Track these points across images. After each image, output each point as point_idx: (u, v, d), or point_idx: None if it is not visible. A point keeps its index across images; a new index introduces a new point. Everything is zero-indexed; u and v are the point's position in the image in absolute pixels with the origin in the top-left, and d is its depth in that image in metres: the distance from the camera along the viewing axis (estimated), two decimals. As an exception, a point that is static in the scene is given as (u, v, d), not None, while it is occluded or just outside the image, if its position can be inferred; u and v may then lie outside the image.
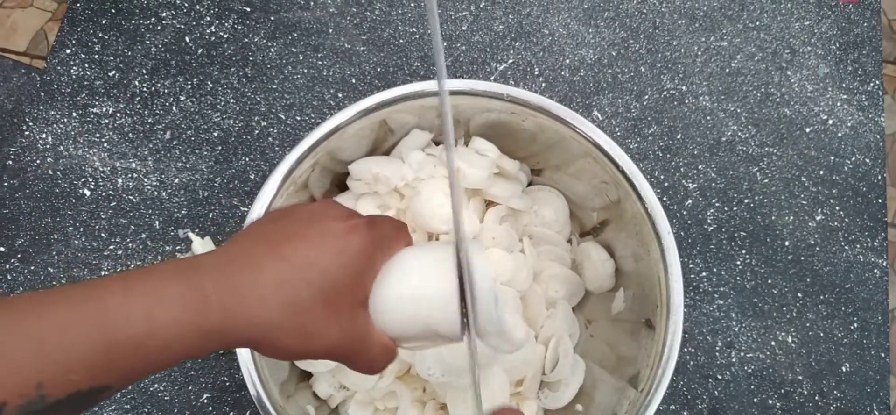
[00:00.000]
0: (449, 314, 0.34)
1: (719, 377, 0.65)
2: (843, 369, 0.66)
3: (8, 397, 0.24)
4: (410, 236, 0.38)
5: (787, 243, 0.69)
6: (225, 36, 0.72)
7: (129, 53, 0.71)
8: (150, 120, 0.69)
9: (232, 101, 0.70)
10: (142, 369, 0.27)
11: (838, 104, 0.73)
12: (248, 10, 0.73)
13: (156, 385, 0.62)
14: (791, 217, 0.70)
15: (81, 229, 0.66)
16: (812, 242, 0.69)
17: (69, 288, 0.27)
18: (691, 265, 0.68)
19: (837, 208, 0.70)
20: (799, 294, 0.68)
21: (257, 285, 0.30)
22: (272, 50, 0.72)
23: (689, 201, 0.70)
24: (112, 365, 0.26)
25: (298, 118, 0.70)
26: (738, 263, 0.68)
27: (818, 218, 0.70)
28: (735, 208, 0.70)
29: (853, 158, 0.71)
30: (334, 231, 0.32)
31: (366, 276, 0.33)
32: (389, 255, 0.35)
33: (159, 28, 0.72)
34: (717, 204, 0.70)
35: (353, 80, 0.71)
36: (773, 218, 0.69)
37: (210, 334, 0.28)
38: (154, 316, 0.27)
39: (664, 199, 0.69)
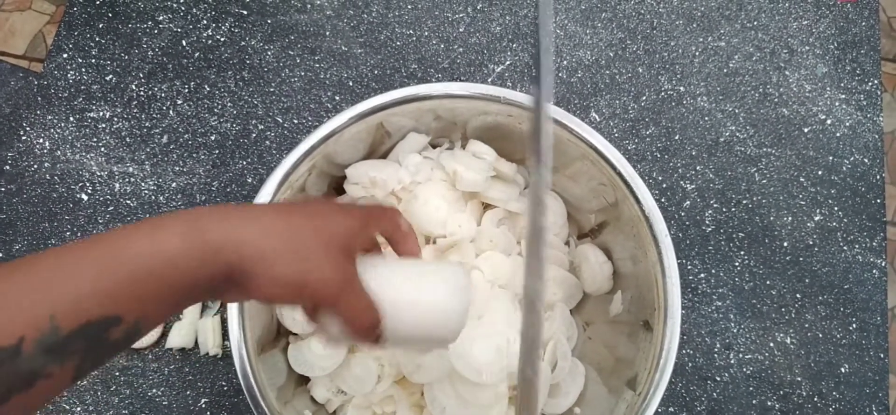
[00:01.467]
0: (454, 326, 0.37)
1: (718, 379, 0.65)
2: (842, 369, 0.66)
3: (25, 331, 0.25)
4: (402, 219, 0.41)
5: (785, 244, 0.69)
6: (222, 39, 0.72)
7: (126, 57, 0.71)
8: (147, 124, 0.69)
9: (229, 104, 0.70)
10: (149, 294, 0.28)
11: (837, 104, 0.73)
12: (245, 13, 0.73)
13: (154, 390, 0.62)
14: (789, 218, 0.69)
15: (79, 234, 0.66)
16: (810, 243, 0.69)
17: (79, 240, 0.29)
18: (689, 266, 0.68)
19: (836, 208, 0.70)
20: (798, 295, 0.68)
21: (257, 219, 0.32)
22: (269, 53, 0.72)
23: (688, 202, 0.69)
24: (120, 289, 0.28)
25: (296, 121, 0.70)
26: (737, 264, 0.68)
27: (817, 218, 0.70)
28: (733, 209, 0.69)
29: (852, 158, 0.71)
30: (329, 203, 0.37)
31: (358, 236, 0.36)
32: (380, 225, 0.38)
33: (156, 32, 0.72)
34: (715, 205, 0.69)
35: (351, 83, 0.71)
36: (772, 219, 0.69)
37: (207, 252, 0.30)
38: (156, 238, 0.29)
39: (662, 200, 0.69)
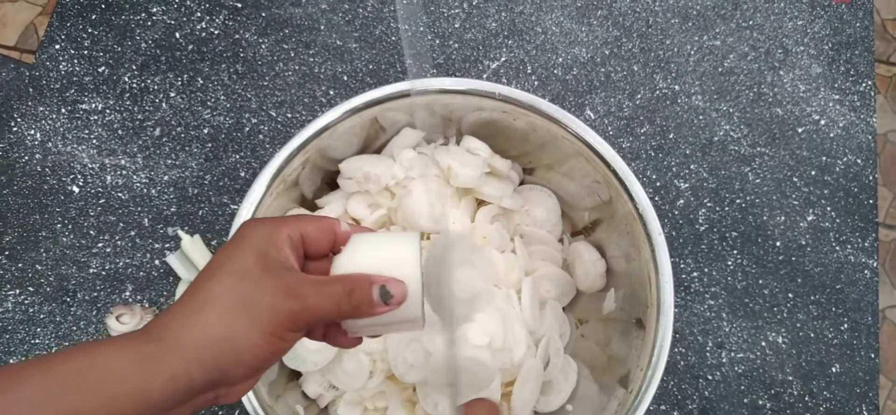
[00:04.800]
0: (412, 299, 0.33)
1: (710, 378, 0.65)
2: (833, 369, 0.66)
3: None
4: (313, 221, 0.36)
5: (778, 244, 0.69)
6: (216, 32, 0.71)
7: (119, 49, 0.70)
8: (139, 117, 0.68)
9: (222, 97, 0.69)
10: (85, 404, 0.26)
11: (830, 104, 0.73)
12: (240, 6, 0.72)
13: (144, 384, 0.62)
14: (782, 217, 0.70)
15: (70, 227, 0.65)
16: (803, 243, 0.69)
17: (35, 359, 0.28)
18: (683, 265, 0.68)
19: (829, 209, 0.70)
20: (790, 295, 0.68)
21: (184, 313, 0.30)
22: (263, 46, 0.71)
23: (681, 201, 0.69)
24: (51, 401, 0.26)
25: (289, 115, 0.70)
26: (730, 263, 0.68)
27: (809, 218, 0.70)
28: (727, 208, 0.70)
29: (845, 159, 0.72)
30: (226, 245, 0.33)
31: (268, 250, 0.32)
32: (291, 223, 0.34)
33: (149, 24, 0.71)
34: (708, 204, 0.70)
35: (345, 78, 0.71)
36: (765, 218, 0.69)
37: (148, 353, 0.28)
38: (93, 350, 0.27)
39: (656, 198, 0.69)
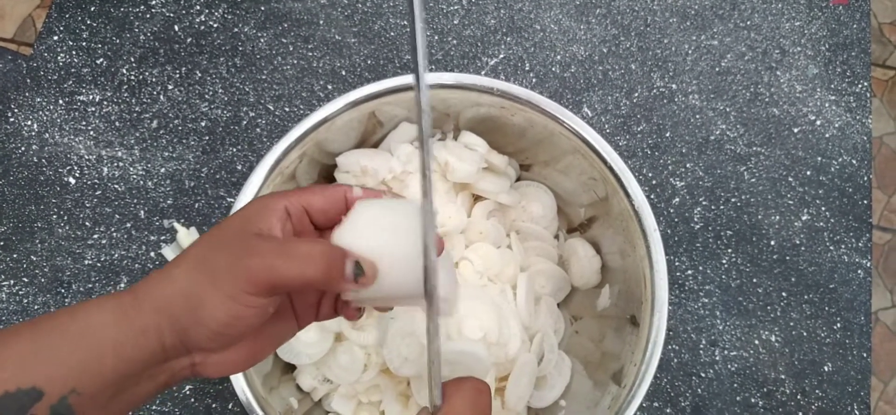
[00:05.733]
0: (411, 274, 0.33)
1: (703, 375, 0.66)
2: (826, 368, 0.67)
3: None
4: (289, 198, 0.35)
5: (772, 243, 0.69)
6: (214, 25, 0.71)
7: (118, 41, 0.70)
8: (137, 109, 0.68)
9: (220, 90, 0.69)
10: (73, 366, 0.27)
11: (826, 105, 0.74)
12: (238, -1, 0.72)
13: (140, 375, 0.62)
14: (777, 217, 0.70)
15: (66, 218, 0.65)
16: (797, 242, 0.69)
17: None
18: (677, 263, 0.68)
19: (823, 209, 0.70)
20: (783, 294, 0.68)
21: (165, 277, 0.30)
22: (262, 40, 0.71)
23: (677, 199, 0.70)
24: (39, 361, 0.27)
25: (287, 109, 0.70)
26: (724, 261, 0.68)
27: (804, 218, 0.70)
28: (722, 207, 0.70)
29: (840, 159, 0.72)
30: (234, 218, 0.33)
31: (254, 217, 0.32)
32: (294, 195, 0.34)
33: (148, 16, 0.71)
34: (704, 202, 0.70)
35: (343, 72, 0.71)
36: (760, 217, 0.70)
37: (124, 304, 0.29)
38: (76, 308, 0.29)
39: (652, 196, 0.70)
